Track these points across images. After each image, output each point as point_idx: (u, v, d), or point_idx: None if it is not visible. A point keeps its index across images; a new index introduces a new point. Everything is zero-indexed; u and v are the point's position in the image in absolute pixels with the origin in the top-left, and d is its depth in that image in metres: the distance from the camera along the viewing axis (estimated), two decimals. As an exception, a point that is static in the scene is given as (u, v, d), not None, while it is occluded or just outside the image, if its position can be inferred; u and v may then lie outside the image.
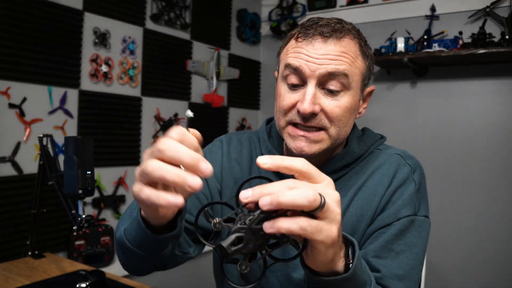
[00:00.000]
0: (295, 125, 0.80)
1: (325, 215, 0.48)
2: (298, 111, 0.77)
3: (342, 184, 0.85)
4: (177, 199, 0.47)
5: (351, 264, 0.57)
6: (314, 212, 0.47)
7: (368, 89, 0.87)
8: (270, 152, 0.91)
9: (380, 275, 0.74)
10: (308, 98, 0.75)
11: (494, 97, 2.26)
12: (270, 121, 1.00)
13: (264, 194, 0.47)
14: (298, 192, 0.46)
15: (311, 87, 0.76)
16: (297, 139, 0.79)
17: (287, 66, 0.79)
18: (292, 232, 0.47)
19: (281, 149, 0.92)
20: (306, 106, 0.75)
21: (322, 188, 0.51)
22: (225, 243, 0.46)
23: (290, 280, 0.85)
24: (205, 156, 0.97)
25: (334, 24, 0.79)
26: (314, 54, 0.76)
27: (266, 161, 0.49)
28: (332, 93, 0.77)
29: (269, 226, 0.46)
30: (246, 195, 0.47)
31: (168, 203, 0.48)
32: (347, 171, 0.86)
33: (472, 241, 2.28)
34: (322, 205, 0.47)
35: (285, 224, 0.46)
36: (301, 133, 0.78)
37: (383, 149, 0.90)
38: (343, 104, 0.78)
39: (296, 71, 0.77)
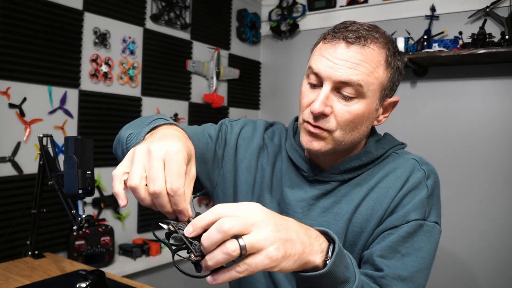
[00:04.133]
0: (309, 122, 0.83)
1: (253, 250, 0.52)
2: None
3: (356, 183, 0.86)
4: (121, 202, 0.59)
5: (328, 261, 0.61)
6: (240, 257, 0.52)
7: (391, 100, 0.87)
8: (292, 147, 0.94)
9: (383, 274, 0.75)
10: (320, 99, 0.78)
11: (494, 97, 2.26)
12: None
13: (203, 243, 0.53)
14: (218, 252, 0.51)
15: (325, 89, 0.79)
16: (305, 134, 0.84)
17: (309, 67, 0.83)
18: (235, 279, 0.53)
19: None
20: (316, 106, 0.78)
21: (251, 218, 0.54)
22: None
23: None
24: (245, 127, 1.00)
25: (363, 30, 0.80)
26: (334, 59, 0.78)
27: (190, 230, 0.54)
28: (345, 98, 0.79)
29: (212, 280, 0.53)
30: (189, 230, 0.54)
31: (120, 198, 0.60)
32: (362, 171, 0.87)
33: (471, 240, 2.28)
34: (243, 249, 0.51)
35: (226, 277, 0.53)
36: (310, 129, 0.82)
37: (401, 154, 0.90)
38: (355, 110, 0.79)
39: (316, 73, 0.81)
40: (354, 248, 0.83)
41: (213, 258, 0.51)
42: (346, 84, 0.77)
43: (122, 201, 0.59)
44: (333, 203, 0.86)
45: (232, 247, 0.50)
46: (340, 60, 0.77)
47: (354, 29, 0.79)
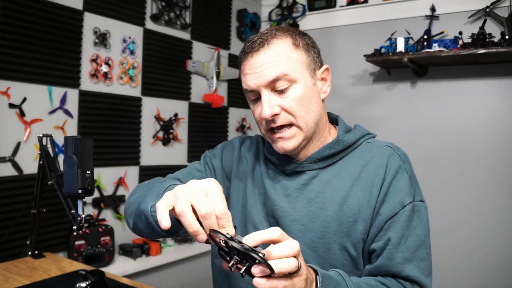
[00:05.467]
0: (272, 130, 0.90)
1: (298, 273, 0.63)
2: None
3: (335, 172, 0.92)
4: (200, 237, 0.63)
5: None
6: (292, 274, 0.62)
7: (322, 69, 0.94)
8: (271, 153, 0.99)
9: (395, 263, 0.83)
10: (265, 106, 0.87)
11: (494, 97, 2.26)
12: None
13: (268, 254, 0.61)
14: (284, 263, 0.60)
15: (264, 95, 0.87)
16: (276, 142, 0.91)
17: (244, 90, 0.93)
18: None
19: None
20: (264, 113, 0.87)
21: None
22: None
23: None
24: (224, 149, 1.07)
25: (263, 35, 0.89)
26: (255, 69, 0.88)
27: (249, 240, 0.61)
28: (282, 92, 0.87)
29: (262, 282, 0.60)
30: (249, 240, 0.61)
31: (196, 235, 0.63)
32: (337, 160, 0.93)
33: (471, 241, 2.28)
34: (299, 268, 0.62)
35: (274, 284, 0.61)
36: (277, 135, 0.90)
37: (373, 142, 0.96)
38: (296, 95, 0.87)
39: (250, 90, 0.90)
40: (349, 238, 0.87)
41: (278, 265, 0.60)
42: (275, 80, 0.86)
43: (165, 223, 0.62)
44: (317, 193, 0.90)
45: (295, 263, 0.61)
46: (259, 67, 0.87)
47: (256, 39, 0.89)
